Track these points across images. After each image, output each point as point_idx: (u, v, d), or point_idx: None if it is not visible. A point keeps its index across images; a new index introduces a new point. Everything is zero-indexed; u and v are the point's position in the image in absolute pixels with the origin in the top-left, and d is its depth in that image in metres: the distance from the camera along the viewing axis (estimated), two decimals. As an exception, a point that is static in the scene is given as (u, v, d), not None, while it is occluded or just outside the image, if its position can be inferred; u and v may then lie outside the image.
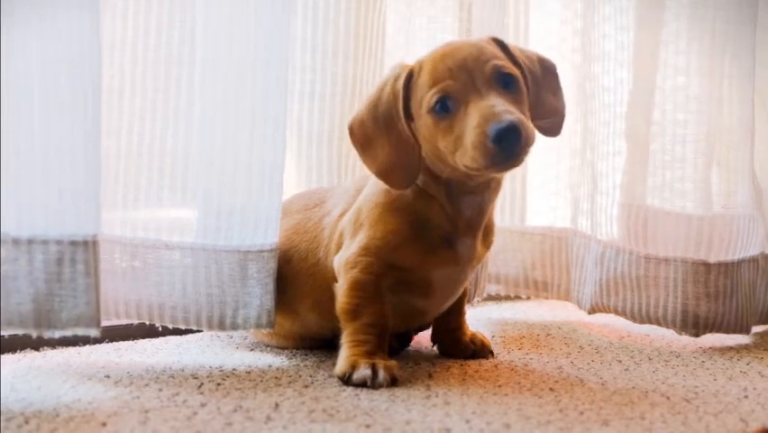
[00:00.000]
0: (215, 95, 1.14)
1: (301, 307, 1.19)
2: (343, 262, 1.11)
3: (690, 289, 1.38)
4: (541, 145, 1.64)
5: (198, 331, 1.31)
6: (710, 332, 1.38)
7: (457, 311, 1.24)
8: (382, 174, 1.09)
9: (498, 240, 1.26)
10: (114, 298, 1.15)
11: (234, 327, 1.16)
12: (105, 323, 1.25)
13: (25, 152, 0.97)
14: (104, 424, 0.87)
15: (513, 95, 1.05)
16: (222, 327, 1.15)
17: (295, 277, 1.18)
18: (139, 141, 1.16)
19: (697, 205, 1.42)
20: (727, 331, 1.39)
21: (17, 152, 0.97)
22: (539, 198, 1.67)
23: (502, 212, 1.60)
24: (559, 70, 1.60)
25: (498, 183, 1.13)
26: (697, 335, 1.39)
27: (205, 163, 1.15)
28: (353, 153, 1.40)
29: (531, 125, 1.03)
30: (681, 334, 1.40)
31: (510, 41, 1.56)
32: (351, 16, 1.38)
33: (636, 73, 1.44)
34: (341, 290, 1.11)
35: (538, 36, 1.63)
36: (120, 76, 1.15)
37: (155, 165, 1.16)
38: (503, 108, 1.00)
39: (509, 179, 1.60)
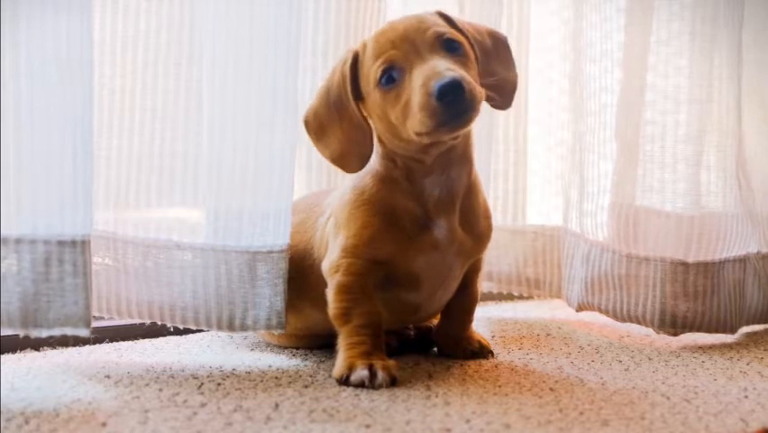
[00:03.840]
0: (225, 94, 1.14)
1: (303, 304, 1.19)
2: (327, 267, 1.12)
3: (669, 288, 1.38)
4: (540, 145, 1.66)
5: (199, 331, 1.31)
6: (689, 331, 1.39)
7: (463, 318, 1.23)
8: (336, 160, 1.12)
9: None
10: (127, 297, 1.15)
11: (244, 328, 1.16)
12: (107, 322, 1.26)
13: (14, 153, 0.97)
14: (104, 424, 0.87)
15: (459, 57, 1.06)
16: (231, 328, 1.16)
17: (296, 274, 1.18)
18: (150, 140, 1.16)
19: (679, 204, 1.42)
20: (709, 331, 1.40)
21: (5, 153, 0.97)
22: (541, 197, 1.67)
23: (494, 211, 1.59)
24: (560, 69, 1.59)
25: (464, 157, 1.12)
26: (675, 334, 1.39)
27: (215, 163, 1.15)
28: None
29: (477, 84, 1.02)
30: (659, 333, 1.40)
31: (511, 40, 1.57)
32: (341, 15, 1.38)
33: (627, 74, 1.44)
34: (329, 295, 1.11)
35: (539, 35, 1.63)
36: (132, 75, 1.16)
37: (166, 165, 1.16)
38: (445, 67, 1.01)
39: (504, 178, 1.61)
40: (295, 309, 1.19)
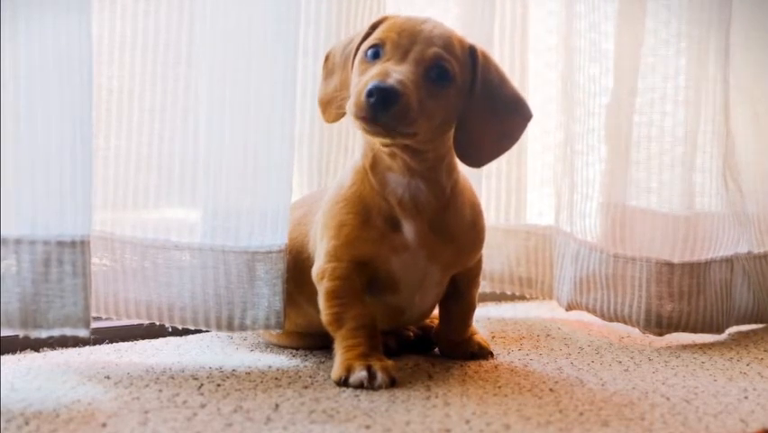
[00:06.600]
0: (223, 95, 1.14)
1: (300, 298, 1.19)
2: (315, 273, 1.13)
3: (654, 288, 1.39)
4: (539, 145, 1.66)
5: (199, 332, 1.31)
6: (675, 331, 1.40)
7: (461, 324, 1.23)
8: (321, 103, 1.15)
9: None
10: (125, 298, 1.16)
11: (243, 327, 1.16)
12: (107, 323, 1.26)
13: (13, 153, 0.97)
14: (104, 425, 0.87)
15: (434, 87, 1.04)
16: (230, 327, 1.16)
17: (293, 268, 1.18)
18: (149, 141, 1.16)
19: (667, 205, 1.43)
20: (695, 331, 1.40)
21: (5, 153, 0.97)
22: (539, 197, 1.67)
23: (488, 210, 1.59)
24: (558, 70, 1.58)
25: (432, 176, 1.10)
26: (661, 334, 1.40)
27: (213, 163, 1.15)
28: (333, 154, 1.41)
29: (421, 115, 1.02)
30: (644, 333, 1.41)
31: (506, 40, 1.57)
32: (332, 15, 1.38)
33: (618, 76, 1.45)
34: (320, 302, 1.11)
35: (538, 35, 1.63)
36: (130, 76, 1.16)
37: (164, 165, 1.17)
38: (398, 75, 1.01)
39: (498, 177, 1.60)
40: (294, 304, 1.20)
